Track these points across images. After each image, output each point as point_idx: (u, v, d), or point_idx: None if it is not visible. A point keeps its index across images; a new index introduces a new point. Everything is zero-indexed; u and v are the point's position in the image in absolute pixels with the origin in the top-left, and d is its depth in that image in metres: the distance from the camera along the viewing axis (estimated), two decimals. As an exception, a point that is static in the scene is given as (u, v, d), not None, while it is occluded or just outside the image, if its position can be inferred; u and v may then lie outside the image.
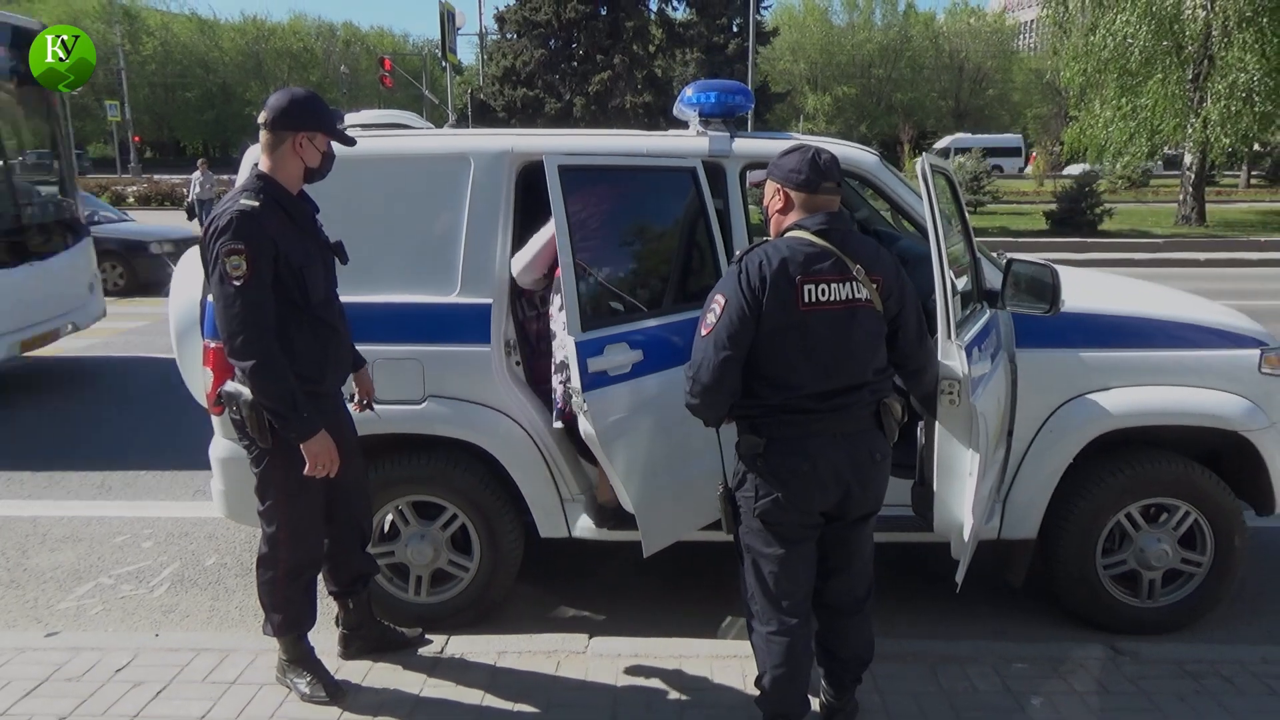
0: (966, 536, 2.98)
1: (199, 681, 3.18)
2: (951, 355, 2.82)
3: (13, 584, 4.24)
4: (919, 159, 2.95)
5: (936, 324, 2.85)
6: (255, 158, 3.48)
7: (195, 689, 3.14)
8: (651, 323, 3.18)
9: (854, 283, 2.53)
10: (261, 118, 2.83)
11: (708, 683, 3.20)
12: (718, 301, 2.56)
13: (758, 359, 2.56)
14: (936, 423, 2.91)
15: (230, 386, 2.87)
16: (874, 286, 2.56)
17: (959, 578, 3.05)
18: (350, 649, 3.33)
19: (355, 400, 3.26)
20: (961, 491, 2.94)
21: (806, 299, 2.50)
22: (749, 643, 2.81)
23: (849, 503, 2.66)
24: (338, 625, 3.36)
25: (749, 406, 2.62)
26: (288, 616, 3.07)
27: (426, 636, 3.43)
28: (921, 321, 2.74)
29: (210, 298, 2.81)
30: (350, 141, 3.00)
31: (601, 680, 3.21)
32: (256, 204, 2.74)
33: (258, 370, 2.71)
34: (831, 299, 2.52)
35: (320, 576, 3.20)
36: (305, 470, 2.83)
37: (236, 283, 2.66)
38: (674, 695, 3.13)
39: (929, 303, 2.89)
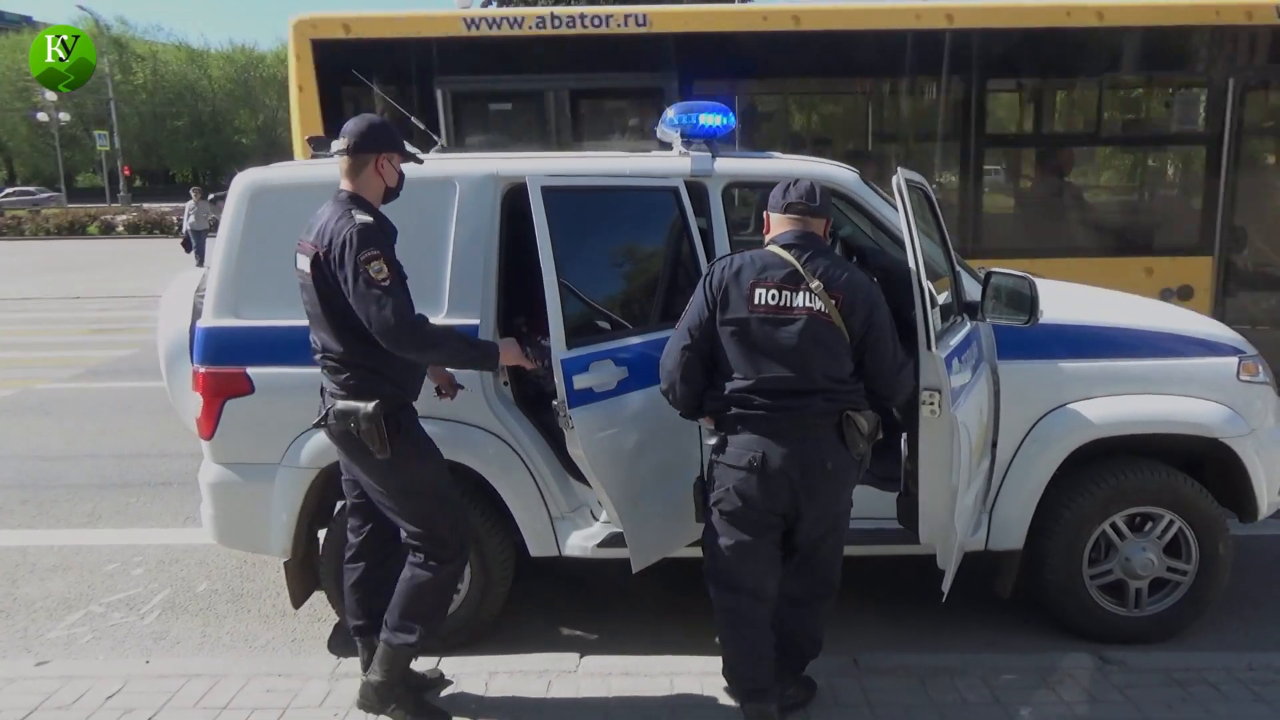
0: (952, 546, 3.01)
1: (190, 708, 3.18)
2: (931, 366, 2.87)
3: (2, 613, 4.22)
4: (895, 175, 3.00)
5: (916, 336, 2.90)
6: (240, 185, 3.53)
7: (187, 715, 3.14)
8: (636, 340, 3.21)
9: (808, 294, 2.73)
10: (341, 145, 2.90)
11: (699, 698, 3.20)
12: (691, 300, 2.89)
13: (717, 354, 2.83)
14: (919, 434, 2.95)
15: (344, 405, 2.87)
16: (832, 302, 2.73)
17: (945, 587, 3.08)
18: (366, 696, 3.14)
19: (436, 390, 3.29)
20: (945, 502, 2.97)
21: (756, 301, 2.76)
22: None
23: (800, 510, 2.81)
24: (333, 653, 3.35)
25: (713, 399, 2.86)
26: (439, 623, 3.10)
27: (445, 677, 3.34)
28: (894, 352, 2.83)
29: (360, 307, 2.78)
30: (419, 161, 3.11)
31: (593, 699, 3.22)
32: (371, 219, 2.84)
33: (437, 346, 2.89)
34: (781, 304, 2.74)
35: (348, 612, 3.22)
36: (526, 368, 3.11)
37: (385, 283, 2.75)
38: (666, 712, 3.14)
39: (910, 315, 2.94)
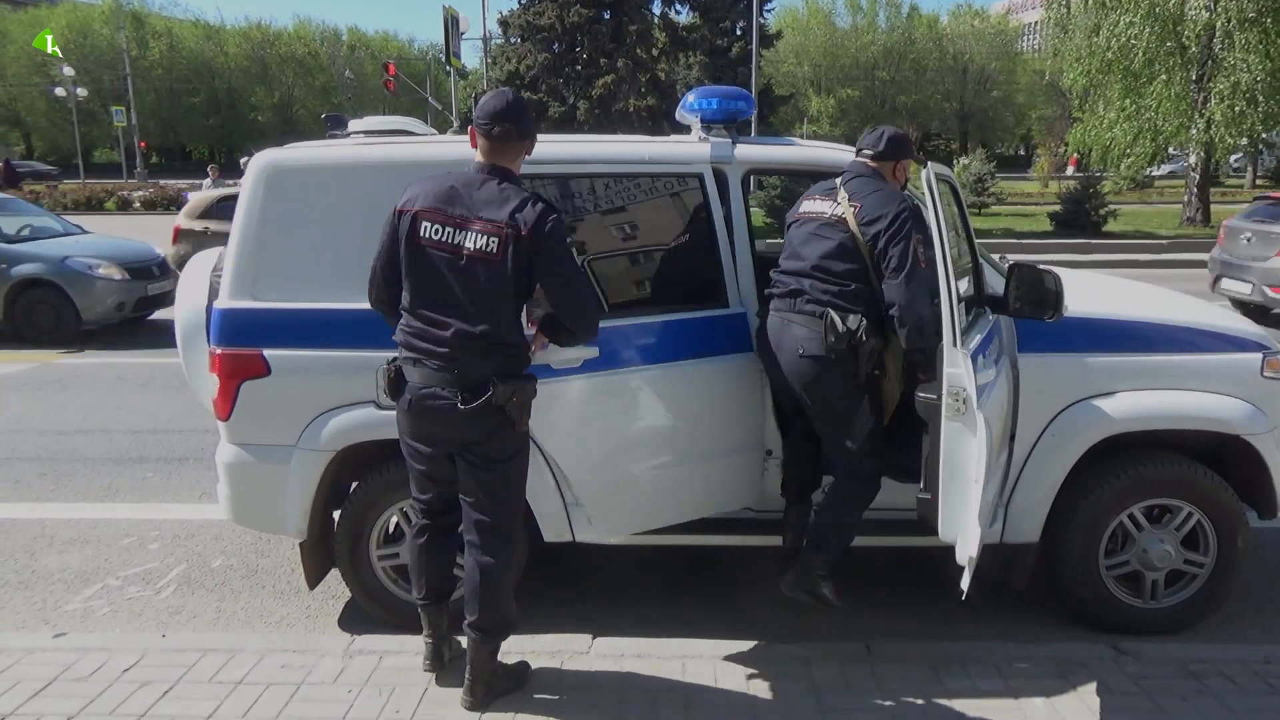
0: (973, 543, 2.98)
1: (205, 681, 3.21)
2: (957, 363, 2.84)
3: (21, 585, 4.27)
4: (924, 169, 2.96)
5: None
6: (257, 166, 3.50)
7: (202, 689, 3.17)
8: (613, 322, 3.27)
9: (833, 203, 3.34)
10: (501, 129, 2.86)
11: (711, 682, 3.21)
12: None
13: None
14: (941, 430, 2.91)
15: (505, 380, 2.87)
16: (852, 209, 3.27)
17: (965, 584, 3.04)
18: (440, 658, 3.25)
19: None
20: (967, 498, 2.94)
21: (800, 210, 3.47)
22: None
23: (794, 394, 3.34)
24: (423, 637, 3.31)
25: None
26: (512, 604, 3.14)
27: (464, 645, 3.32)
28: (901, 265, 3.11)
29: (569, 289, 2.86)
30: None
31: (605, 681, 3.23)
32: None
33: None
34: (813, 212, 3.40)
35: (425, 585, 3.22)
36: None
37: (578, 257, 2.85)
38: (678, 695, 3.15)
39: (935, 306, 2.91)
